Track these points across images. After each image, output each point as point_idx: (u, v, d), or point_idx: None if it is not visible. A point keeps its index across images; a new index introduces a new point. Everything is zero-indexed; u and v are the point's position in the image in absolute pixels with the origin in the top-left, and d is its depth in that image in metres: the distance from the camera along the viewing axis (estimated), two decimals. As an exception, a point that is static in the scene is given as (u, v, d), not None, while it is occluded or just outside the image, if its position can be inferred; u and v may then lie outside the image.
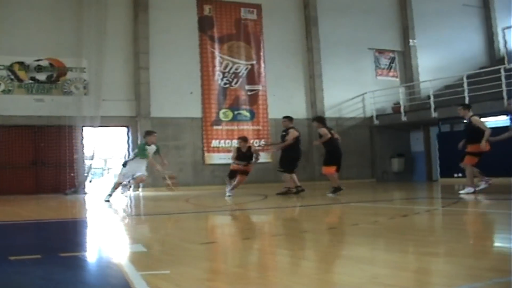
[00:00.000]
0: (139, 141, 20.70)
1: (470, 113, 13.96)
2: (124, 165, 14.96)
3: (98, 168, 32.47)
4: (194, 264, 4.90)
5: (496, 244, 5.97)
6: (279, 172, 15.79)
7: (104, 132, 22.05)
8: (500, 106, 19.63)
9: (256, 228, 8.56)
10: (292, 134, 15.35)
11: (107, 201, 14.25)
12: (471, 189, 13.21)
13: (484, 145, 13.15)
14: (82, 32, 20.64)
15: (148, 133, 15.12)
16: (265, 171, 21.90)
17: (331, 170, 14.25)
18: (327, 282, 4.09)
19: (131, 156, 15.78)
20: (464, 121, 14.86)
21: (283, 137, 15.69)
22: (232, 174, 15.59)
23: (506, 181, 17.63)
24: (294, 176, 15.36)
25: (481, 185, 13.52)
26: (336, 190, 14.01)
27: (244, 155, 15.42)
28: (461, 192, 13.26)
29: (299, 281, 4.14)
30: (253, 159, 15.60)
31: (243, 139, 15.82)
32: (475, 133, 13.43)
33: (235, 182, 15.43)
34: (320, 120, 15.36)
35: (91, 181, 23.90)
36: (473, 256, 5.09)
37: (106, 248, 6.28)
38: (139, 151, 14.62)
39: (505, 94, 19.49)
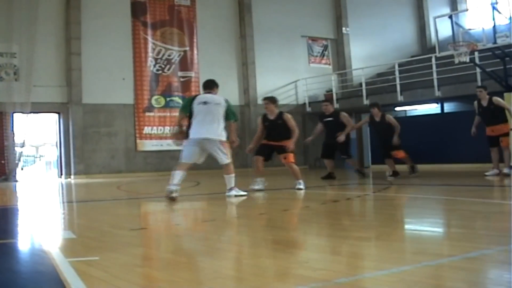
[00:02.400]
0: (70, 128, 21.85)
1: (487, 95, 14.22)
2: None
3: (29, 156, 32.73)
4: (123, 251, 5.03)
5: (424, 228, 6.15)
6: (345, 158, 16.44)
7: (35, 119, 22.70)
8: (431, 94, 21.29)
9: (187, 214, 8.73)
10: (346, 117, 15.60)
11: None
12: (497, 171, 14.02)
13: None
14: (12, 17, 21.22)
15: None
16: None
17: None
18: (256, 267, 4.15)
19: None
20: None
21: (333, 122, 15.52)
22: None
23: (438, 168, 19.42)
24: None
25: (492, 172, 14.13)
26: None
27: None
28: (488, 174, 14.01)
29: (228, 266, 4.31)
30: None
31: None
32: (499, 113, 14.03)
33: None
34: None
35: (22, 168, 24.52)
36: (402, 240, 5.47)
37: (36, 235, 6.43)
38: None
39: (435, 82, 21.03)
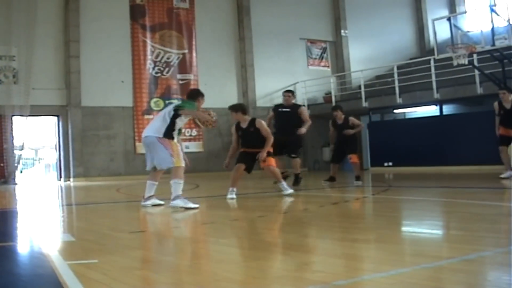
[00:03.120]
0: (69, 131, 21.88)
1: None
2: None
3: (28, 158, 32.77)
4: (123, 253, 5.04)
5: (423, 230, 6.17)
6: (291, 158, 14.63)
7: (34, 122, 22.76)
8: (430, 96, 21.35)
9: (186, 217, 8.54)
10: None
11: None
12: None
13: None
14: (11, 20, 21.31)
15: None
16: (197, 161, 23.32)
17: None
18: (255, 269, 4.16)
19: None
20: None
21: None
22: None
23: (437, 170, 19.44)
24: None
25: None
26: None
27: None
28: (503, 176, 13.35)
29: (227, 268, 4.25)
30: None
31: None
32: None
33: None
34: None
35: (21, 171, 24.58)
36: (400, 242, 5.44)
37: (35, 238, 6.40)
38: None
39: (434, 85, 21.07)
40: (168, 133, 9.20)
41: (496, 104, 13.97)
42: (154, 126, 9.39)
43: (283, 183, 11.41)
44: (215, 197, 11.88)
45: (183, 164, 9.40)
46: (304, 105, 13.79)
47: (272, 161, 11.26)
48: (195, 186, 14.99)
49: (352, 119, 14.49)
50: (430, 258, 4.28)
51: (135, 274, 4.20)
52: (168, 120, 9.19)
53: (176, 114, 9.16)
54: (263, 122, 11.33)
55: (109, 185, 17.15)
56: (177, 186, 9.19)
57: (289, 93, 14.14)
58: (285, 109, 13.71)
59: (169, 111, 9.29)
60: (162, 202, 9.76)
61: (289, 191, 11.17)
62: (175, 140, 9.40)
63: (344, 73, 27.61)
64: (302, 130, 13.22)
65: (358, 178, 14.14)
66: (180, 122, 9.37)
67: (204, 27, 25.18)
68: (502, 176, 13.33)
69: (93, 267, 4.29)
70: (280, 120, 13.69)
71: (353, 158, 14.13)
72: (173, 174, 9.28)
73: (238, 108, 11.36)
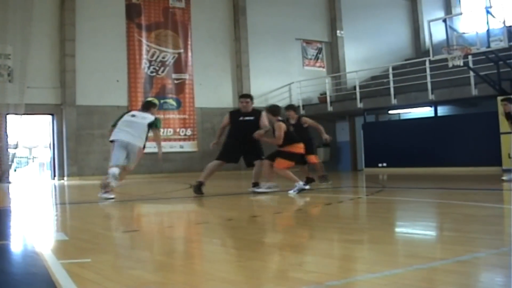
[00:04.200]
0: (64, 130, 21.85)
1: None
2: None
3: (22, 157, 32.73)
4: (116, 252, 5.09)
5: (416, 231, 6.18)
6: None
7: (28, 120, 22.76)
8: (425, 97, 21.42)
9: (180, 217, 8.74)
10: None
11: None
12: None
13: None
14: (7, 18, 21.28)
15: None
16: (191, 160, 23.35)
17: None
18: (249, 269, 4.17)
19: None
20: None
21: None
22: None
23: (431, 171, 19.48)
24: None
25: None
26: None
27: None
28: (504, 178, 12.96)
29: (221, 268, 4.26)
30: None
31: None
32: None
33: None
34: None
35: (15, 170, 24.56)
36: (394, 243, 5.45)
37: (28, 237, 6.39)
38: None
39: (429, 86, 21.13)
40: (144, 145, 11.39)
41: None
42: (138, 136, 11.22)
43: (269, 184, 11.62)
44: (209, 196, 11.85)
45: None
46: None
47: (281, 163, 11.52)
48: (189, 186, 14.88)
49: (305, 119, 14.45)
50: (423, 259, 4.28)
51: (128, 273, 4.17)
52: (146, 134, 11.30)
53: (149, 130, 11.34)
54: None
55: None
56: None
57: (247, 98, 12.55)
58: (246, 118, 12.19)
59: (144, 127, 11.24)
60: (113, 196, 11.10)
61: (263, 190, 11.52)
62: None
63: (339, 74, 27.66)
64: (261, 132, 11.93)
65: (322, 178, 14.13)
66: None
67: (200, 27, 25.18)
68: (504, 178, 13.04)
69: (86, 266, 4.28)
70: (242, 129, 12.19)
71: (311, 159, 13.96)
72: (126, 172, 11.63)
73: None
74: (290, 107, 14.92)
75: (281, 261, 4.52)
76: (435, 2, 31.62)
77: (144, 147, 11.38)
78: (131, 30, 23.88)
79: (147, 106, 11.78)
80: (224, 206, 9.98)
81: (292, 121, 14.48)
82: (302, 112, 26.17)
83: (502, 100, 13.87)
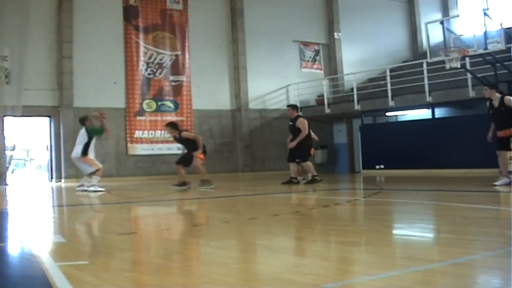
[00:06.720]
0: (61, 132, 21.84)
1: (497, 94, 12.79)
2: None
3: (20, 159, 32.61)
4: (113, 255, 5.08)
5: (413, 233, 6.19)
6: (296, 163, 15.74)
7: (26, 122, 22.73)
8: (422, 99, 21.42)
9: (177, 219, 8.85)
10: (303, 123, 15.66)
11: None
12: (507, 180, 12.36)
13: None
14: (4, 20, 21.20)
15: None
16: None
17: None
18: (246, 272, 4.23)
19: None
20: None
21: (291, 127, 15.92)
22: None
23: (428, 173, 19.52)
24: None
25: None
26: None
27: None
28: (497, 183, 12.35)
29: (218, 271, 4.22)
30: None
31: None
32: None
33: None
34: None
35: (12, 172, 24.49)
36: (391, 245, 5.48)
37: (26, 239, 6.42)
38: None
39: (427, 88, 21.10)
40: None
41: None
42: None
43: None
44: (206, 199, 11.88)
45: None
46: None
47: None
48: (187, 188, 14.94)
49: (301, 121, 15.63)
50: (420, 261, 4.30)
51: (125, 276, 4.20)
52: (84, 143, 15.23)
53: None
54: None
55: (101, 186, 17.03)
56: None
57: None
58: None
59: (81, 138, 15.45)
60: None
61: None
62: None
63: (336, 76, 27.60)
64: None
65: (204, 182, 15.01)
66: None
67: (197, 29, 25.10)
68: (496, 183, 12.53)
69: (83, 269, 4.30)
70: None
71: (198, 156, 14.89)
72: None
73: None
74: (293, 106, 15.73)
75: (278, 263, 4.47)
76: (432, 4, 31.64)
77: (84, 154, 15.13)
78: (128, 32, 23.82)
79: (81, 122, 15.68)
80: (221, 208, 10.02)
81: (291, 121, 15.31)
82: (299, 114, 26.16)
83: (485, 86, 13.64)
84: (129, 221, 8.78)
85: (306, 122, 15.72)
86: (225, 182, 16.93)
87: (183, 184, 15.04)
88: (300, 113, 16.32)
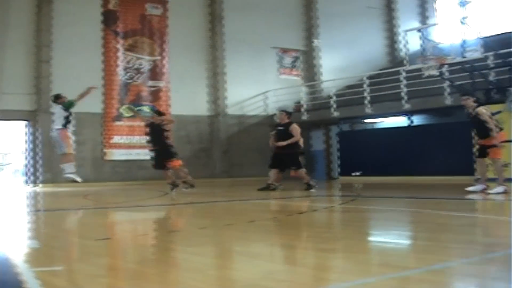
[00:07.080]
0: (38, 136, 21.69)
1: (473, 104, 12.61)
2: None
3: (-4, 163, 32.61)
4: (88, 260, 5.00)
5: (389, 240, 6.21)
6: (292, 170, 15.63)
7: (3, 126, 22.72)
8: (400, 107, 21.54)
9: (153, 225, 8.78)
10: (297, 129, 15.50)
11: None
12: (502, 189, 11.90)
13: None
14: (-18, 23, 21.01)
15: None
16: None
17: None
18: (221, 278, 4.24)
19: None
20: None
21: (282, 132, 15.56)
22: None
23: (405, 180, 19.58)
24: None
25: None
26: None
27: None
28: (491, 191, 11.94)
29: (193, 277, 4.20)
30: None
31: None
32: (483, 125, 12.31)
33: None
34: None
35: (-12, 176, 24.41)
36: (367, 252, 5.45)
37: (1, 244, 6.30)
38: None
39: (404, 95, 21.25)
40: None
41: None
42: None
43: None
44: (182, 204, 11.85)
45: None
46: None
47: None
48: (163, 194, 14.90)
49: (294, 127, 15.48)
50: (396, 268, 4.31)
51: (100, 281, 4.15)
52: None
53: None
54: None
55: (77, 191, 17.02)
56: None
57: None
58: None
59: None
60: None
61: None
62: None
63: (315, 82, 27.64)
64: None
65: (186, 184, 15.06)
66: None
67: (176, 34, 25.05)
68: (470, 188, 12.68)
69: (58, 274, 4.29)
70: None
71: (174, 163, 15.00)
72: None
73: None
74: (286, 111, 16.23)
75: (253, 270, 4.45)
76: (411, 12, 31.82)
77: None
78: (107, 37, 23.74)
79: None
80: (198, 214, 10.01)
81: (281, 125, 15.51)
82: (277, 121, 26.20)
83: (461, 96, 13.36)
84: (105, 226, 8.70)
85: (299, 128, 15.68)
86: (202, 188, 16.86)
87: (174, 184, 14.96)
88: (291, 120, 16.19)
